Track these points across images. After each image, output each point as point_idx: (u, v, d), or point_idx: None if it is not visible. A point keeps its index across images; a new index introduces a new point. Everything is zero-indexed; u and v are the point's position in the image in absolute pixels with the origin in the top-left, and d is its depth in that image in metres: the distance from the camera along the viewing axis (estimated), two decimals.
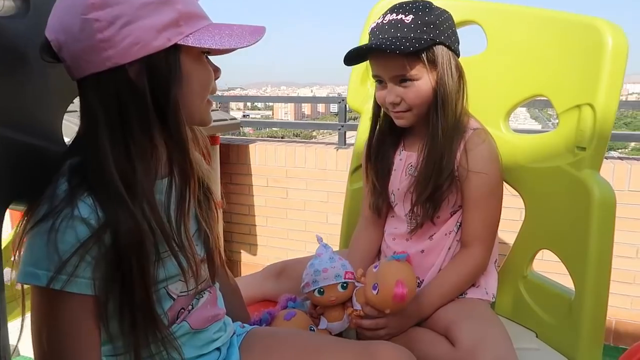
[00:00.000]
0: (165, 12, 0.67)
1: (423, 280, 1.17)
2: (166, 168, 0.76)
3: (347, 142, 2.73)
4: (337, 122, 2.77)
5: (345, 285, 1.07)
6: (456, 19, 1.13)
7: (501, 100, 1.25)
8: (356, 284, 1.10)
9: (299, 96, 13.27)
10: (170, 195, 0.75)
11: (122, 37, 0.65)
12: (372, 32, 1.12)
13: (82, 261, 0.65)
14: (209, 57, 0.77)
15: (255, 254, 2.91)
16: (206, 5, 0.76)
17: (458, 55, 1.13)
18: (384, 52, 1.05)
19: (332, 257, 1.09)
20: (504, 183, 1.19)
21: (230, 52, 0.76)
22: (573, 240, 1.08)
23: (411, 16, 1.06)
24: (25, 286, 0.70)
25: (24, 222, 0.68)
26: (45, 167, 0.70)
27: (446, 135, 1.09)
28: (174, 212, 0.75)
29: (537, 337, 1.17)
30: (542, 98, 1.19)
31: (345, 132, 2.72)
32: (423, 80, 1.08)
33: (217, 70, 0.78)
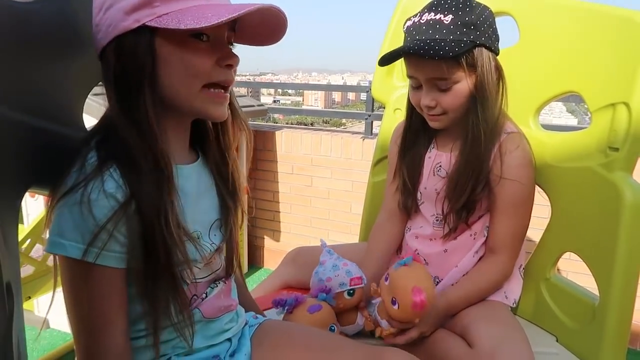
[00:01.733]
0: None
1: (442, 279, 1.15)
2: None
3: (373, 131, 2.69)
4: (364, 112, 2.73)
5: (352, 292, 1.06)
6: None
7: (531, 96, 1.21)
8: (373, 300, 1.09)
9: (327, 84, 13.24)
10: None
11: (104, 21, 0.70)
12: (408, 31, 1.06)
13: (111, 235, 0.66)
14: (235, 44, 0.75)
15: (278, 240, 2.92)
16: None
17: (497, 53, 1.08)
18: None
19: (335, 265, 1.07)
20: None
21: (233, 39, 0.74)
22: (600, 245, 1.04)
23: (450, 16, 1.00)
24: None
25: (52, 197, 0.69)
26: (63, 152, 0.71)
27: (487, 139, 1.05)
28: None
29: (557, 341, 1.14)
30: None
31: (372, 121, 2.69)
32: (461, 84, 1.03)
33: (226, 58, 0.71)
